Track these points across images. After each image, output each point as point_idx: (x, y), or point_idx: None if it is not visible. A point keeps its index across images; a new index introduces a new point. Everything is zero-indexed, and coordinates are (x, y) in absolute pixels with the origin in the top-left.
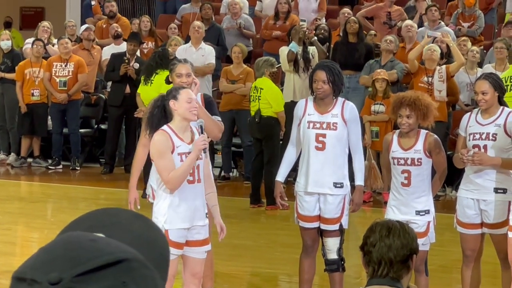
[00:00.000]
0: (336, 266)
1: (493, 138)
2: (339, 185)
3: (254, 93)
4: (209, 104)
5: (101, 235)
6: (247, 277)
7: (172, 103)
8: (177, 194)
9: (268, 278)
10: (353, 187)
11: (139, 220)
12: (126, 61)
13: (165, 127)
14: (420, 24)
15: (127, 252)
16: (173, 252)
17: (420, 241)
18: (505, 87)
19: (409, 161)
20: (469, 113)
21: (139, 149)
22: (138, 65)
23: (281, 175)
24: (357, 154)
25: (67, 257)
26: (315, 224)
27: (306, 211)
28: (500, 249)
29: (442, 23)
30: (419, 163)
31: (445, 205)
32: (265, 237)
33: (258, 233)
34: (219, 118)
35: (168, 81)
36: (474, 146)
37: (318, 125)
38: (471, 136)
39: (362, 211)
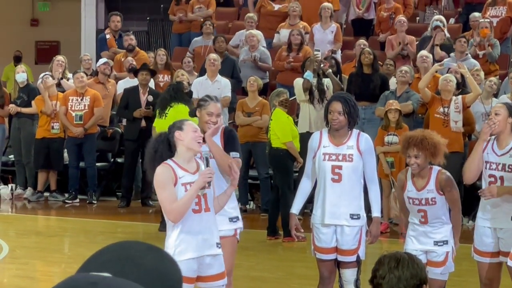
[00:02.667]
0: None
1: (509, 170)
2: (356, 217)
3: (269, 125)
4: (230, 138)
5: (106, 274)
6: None
7: (177, 134)
8: (183, 224)
9: None
10: (370, 218)
11: (152, 252)
12: (142, 111)
13: (168, 160)
14: (433, 54)
15: None
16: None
17: (438, 270)
18: None
19: (423, 201)
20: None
21: None
22: (152, 97)
23: (296, 207)
24: (372, 185)
25: None
26: (332, 256)
27: (323, 243)
28: None
29: (469, 55)
30: (433, 202)
31: (462, 235)
32: (282, 269)
33: (275, 265)
34: (238, 155)
35: (193, 115)
36: (490, 176)
37: (334, 157)
38: (488, 165)
39: (379, 242)
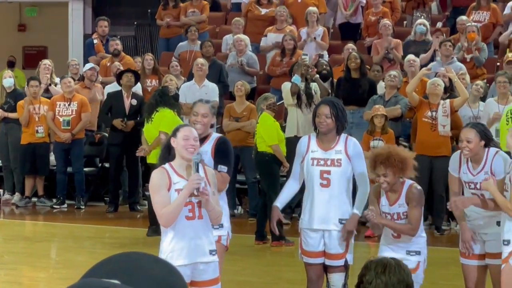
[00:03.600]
0: None
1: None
2: (345, 221)
3: (256, 129)
4: (220, 150)
5: (116, 281)
6: None
7: (172, 141)
8: (176, 230)
9: None
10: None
11: (160, 264)
12: (123, 123)
13: (165, 164)
14: (433, 59)
15: None
16: None
17: None
18: (507, 120)
19: (395, 216)
20: (459, 154)
21: None
22: (135, 101)
23: (280, 201)
24: (361, 186)
25: None
26: (319, 260)
27: (311, 247)
28: (496, 281)
29: (455, 58)
30: (405, 217)
31: (449, 239)
32: (270, 273)
33: (263, 270)
34: (225, 169)
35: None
36: (473, 194)
37: (322, 162)
38: (467, 185)
39: (367, 246)
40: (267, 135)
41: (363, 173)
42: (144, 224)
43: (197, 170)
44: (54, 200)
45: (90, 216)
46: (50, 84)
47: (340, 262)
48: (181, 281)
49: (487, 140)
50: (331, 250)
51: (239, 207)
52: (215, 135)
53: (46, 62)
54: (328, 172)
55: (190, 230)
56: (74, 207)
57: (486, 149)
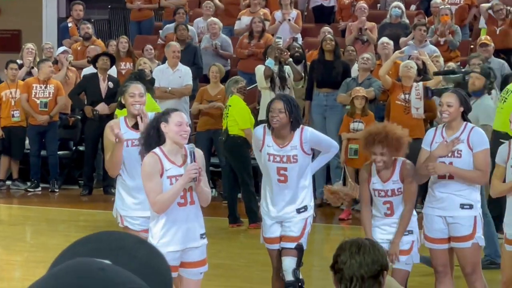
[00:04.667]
0: None
1: (458, 155)
2: (303, 209)
3: (225, 111)
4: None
5: (108, 262)
6: None
7: (163, 126)
8: (168, 216)
9: None
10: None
11: (143, 246)
12: (95, 112)
13: (156, 149)
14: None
15: (136, 283)
16: None
17: (403, 258)
18: (502, 101)
19: (389, 193)
20: (434, 128)
21: None
22: (112, 84)
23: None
24: (328, 153)
25: (78, 286)
26: (278, 246)
27: (269, 233)
28: (465, 263)
29: (428, 41)
30: (399, 193)
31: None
32: (244, 256)
33: (237, 253)
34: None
35: (121, 105)
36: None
37: (278, 159)
38: None
39: (342, 229)
40: (240, 118)
41: (328, 144)
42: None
43: (194, 160)
44: (28, 184)
45: (64, 199)
46: (33, 67)
47: (293, 245)
48: (164, 264)
49: (467, 107)
50: (286, 233)
51: (213, 190)
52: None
53: (29, 46)
54: (285, 169)
55: (183, 215)
56: (49, 190)
57: (464, 122)
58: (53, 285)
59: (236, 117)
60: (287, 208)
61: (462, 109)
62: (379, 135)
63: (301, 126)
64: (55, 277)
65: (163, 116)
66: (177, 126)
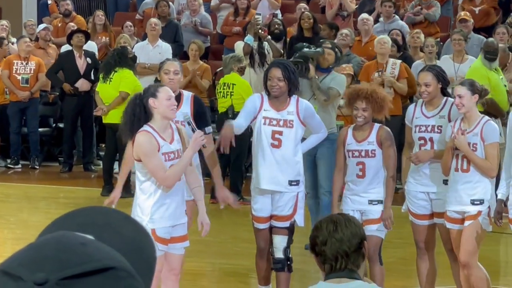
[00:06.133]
0: (281, 266)
1: (438, 131)
2: (295, 183)
3: (224, 89)
4: (200, 110)
5: (91, 237)
6: (208, 273)
7: (151, 101)
8: (162, 192)
9: (229, 273)
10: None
11: (130, 223)
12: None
13: (146, 127)
14: (377, 19)
15: (115, 260)
16: (160, 248)
17: (373, 227)
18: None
19: (363, 153)
20: (414, 104)
21: (128, 148)
22: (90, 59)
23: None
24: (319, 133)
25: (56, 259)
26: (268, 225)
27: (260, 212)
28: (446, 239)
29: (397, 16)
30: (373, 155)
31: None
32: (226, 232)
33: (219, 229)
34: (210, 130)
35: (157, 81)
36: (420, 139)
37: (274, 122)
38: (417, 128)
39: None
40: (247, 96)
41: (319, 124)
42: (98, 184)
43: (193, 128)
44: (8, 160)
45: (44, 176)
46: (12, 43)
47: (285, 224)
48: (149, 241)
49: (444, 82)
50: (278, 212)
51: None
52: (186, 94)
53: (3, 22)
54: (280, 133)
55: (173, 192)
56: (29, 167)
57: (445, 97)
58: (32, 256)
59: (244, 95)
60: (280, 177)
61: (440, 85)
62: (364, 91)
63: (296, 96)
64: (35, 249)
65: (148, 91)
66: (167, 100)
